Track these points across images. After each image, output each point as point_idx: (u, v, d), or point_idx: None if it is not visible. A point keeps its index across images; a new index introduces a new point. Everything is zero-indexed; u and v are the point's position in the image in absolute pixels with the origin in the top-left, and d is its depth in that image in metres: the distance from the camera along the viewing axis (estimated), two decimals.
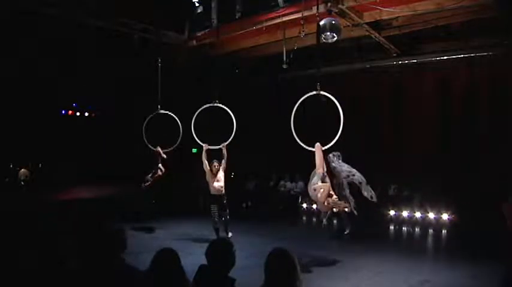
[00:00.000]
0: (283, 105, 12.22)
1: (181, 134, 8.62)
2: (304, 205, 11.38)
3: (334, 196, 6.04)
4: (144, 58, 9.55)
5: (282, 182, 12.42)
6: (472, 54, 9.61)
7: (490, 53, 9.35)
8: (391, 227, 9.68)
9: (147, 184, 8.82)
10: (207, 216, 8.06)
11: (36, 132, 11.72)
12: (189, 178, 11.95)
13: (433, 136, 10.82)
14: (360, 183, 6.18)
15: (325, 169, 6.09)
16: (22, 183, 11.85)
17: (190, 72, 11.31)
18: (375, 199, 6.25)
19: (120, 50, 9.78)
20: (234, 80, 11.47)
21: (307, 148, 6.22)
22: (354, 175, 6.16)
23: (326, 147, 6.15)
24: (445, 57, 9.98)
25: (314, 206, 9.83)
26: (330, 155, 6.34)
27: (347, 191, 6.02)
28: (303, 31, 7.27)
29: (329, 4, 7.22)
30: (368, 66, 11.10)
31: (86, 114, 13.99)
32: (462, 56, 9.72)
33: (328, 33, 6.82)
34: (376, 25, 8.73)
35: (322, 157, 6.11)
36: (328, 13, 7.18)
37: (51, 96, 11.75)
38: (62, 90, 11.74)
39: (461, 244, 7.83)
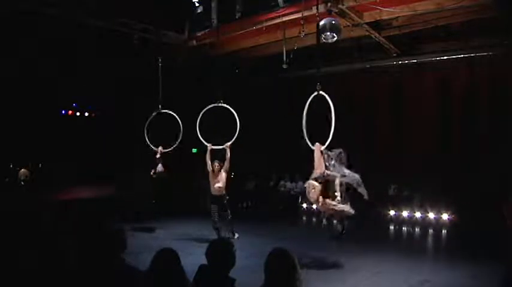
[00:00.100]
0: (283, 105, 12.33)
1: (181, 133, 8.61)
2: (304, 205, 11.38)
3: (329, 200, 6.00)
4: (144, 58, 9.55)
5: (282, 182, 12.42)
6: (472, 54, 9.61)
7: (490, 53, 9.35)
8: (391, 227, 9.69)
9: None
10: (207, 216, 8.07)
11: (36, 132, 11.69)
12: (188, 177, 11.96)
13: (433, 136, 10.82)
14: (351, 184, 6.15)
15: (323, 169, 6.08)
16: (22, 183, 11.83)
17: (190, 72, 11.31)
18: (366, 197, 6.22)
19: (120, 50, 9.77)
20: (234, 80, 11.47)
21: (312, 147, 6.22)
22: (344, 176, 6.13)
23: (323, 147, 6.14)
24: (445, 57, 9.98)
25: (314, 206, 9.81)
26: (325, 155, 6.30)
27: (338, 194, 5.97)
28: (303, 31, 7.27)
29: (329, 4, 7.22)
30: (368, 66, 11.10)
31: (86, 114, 13.96)
32: (462, 56, 9.72)
33: (328, 33, 6.82)
34: (376, 25, 8.72)
35: (320, 157, 6.10)
36: (328, 13, 7.18)
37: (51, 96, 11.73)
38: (62, 90, 11.71)
39: (461, 244, 7.84)
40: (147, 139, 8.77)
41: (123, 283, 2.83)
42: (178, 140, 8.68)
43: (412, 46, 10.29)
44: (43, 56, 9.47)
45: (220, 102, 7.91)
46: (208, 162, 7.86)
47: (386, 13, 7.77)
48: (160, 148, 8.78)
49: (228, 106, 7.91)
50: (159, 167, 8.73)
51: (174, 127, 8.66)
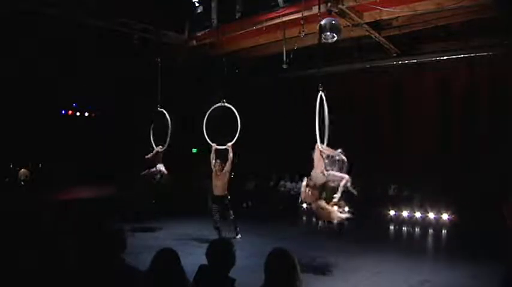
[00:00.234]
0: (283, 105, 12.33)
1: (169, 133, 8.60)
2: (304, 205, 11.36)
3: (323, 202, 5.98)
4: (144, 58, 9.55)
5: (282, 182, 12.42)
6: (472, 54, 9.60)
7: (490, 53, 9.35)
8: (391, 227, 9.69)
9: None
10: (208, 216, 8.07)
11: (36, 132, 11.70)
12: (188, 177, 11.96)
13: (433, 136, 10.82)
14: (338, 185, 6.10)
15: (322, 169, 6.06)
16: (22, 183, 11.83)
17: (190, 72, 11.31)
18: (355, 193, 6.21)
19: (120, 50, 9.77)
20: (234, 80, 11.48)
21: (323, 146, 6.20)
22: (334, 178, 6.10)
23: (322, 148, 6.13)
24: (445, 57, 9.98)
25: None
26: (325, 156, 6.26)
27: (338, 195, 5.94)
28: (303, 31, 7.26)
29: (329, 4, 7.21)
30: (368, 66, 11.10)
31: (86, 114, 13.98)
32: (462, 56, 9.72)
33: (328, 33, 6.81)
34: (376, 25, 8.72)
35: (320, 157, 6.09)
36: (328, 13, 7.18)
37: (51, 96, 11.74)
38: (62, 90, 11.72)
39: (461, 244, 7.84)
40: (152, 140, 8.75)
41: (123, 283, 2.83)
42: (168, 140, 8.66)
43: (412, 46, 10.29)
44: (43, 56, 9.47)
45: (223, 101, 7.91)
46: (213, 162, 7.90)
47: (386, 13, 7.76)
48: (159, 148, 8.76)
49: (230, 106, 7.91)
50: (160, 167, 8.68)
51: (173, 127, 8.66)
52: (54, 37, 8.89)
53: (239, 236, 7.98)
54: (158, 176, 8.61)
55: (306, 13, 7.31)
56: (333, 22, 6.84)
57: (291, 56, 8.45)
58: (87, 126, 13.62)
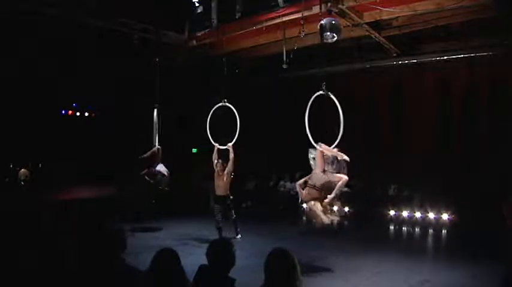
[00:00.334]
0: (283, 105, 12.32)
1: (156, 134, 8.60)
2: (304, 205, 11.36)
3: (314, 205, 5.97)
4: (144, 58, 9.55)
5: (282, 182, 12.42)
6: (472, 54, 9.60)
7: (490, 53, 9.35)
8: (391, 227, 9.69)
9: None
10: (207, 216, 8.07)
11: (36, 132, 11.70)
12: (188, 177, 11.96)
13: (433, 136, 10.82)
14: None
15: (322, 169, 6.06)
16: (22, 183, 11.84)
17: (190, 72, 11.30)
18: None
19: (120, 50, 9.77)
20: (234, 80, 11.48)
21: (315, 145, 6.19)
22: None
23: (323, 148, 6.12)
24: (445, 57, 9.98)
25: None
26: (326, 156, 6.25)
27: (332, 195, 5.94)
28: (303, 31, 7.27)
29: (329, 4, 7.21)
30: (368, 66, 11.10)
31: (86, 114, 13.99)
32: (462, 56, 9.71)
33: (328, 33, 6.81)
34: (376, 25, 8.72)
35: (321, 157, 6.09)
36: (328, 13, 7.18)
37: (51, 96, 11.74)
38: (62, 90, 11.73)
39: (461, 244, 7.83)
40: (156, 142, 8.73)
41: (123, 283, 2.83)
42: (156, 141, 8.64)
43: (412, 46, 10.29)
44: (43, 56, 9.47)
45: (224, 101, 7.92)
46: (215, 162, 7.92)
47: (387, 13, 7.76)
48: (155, 148, 8.73)
49: (231, 106, 7.91)
50: (160, 168, 8.66)
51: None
52: (54, 37, 8.89)
53: (239, 236, 7.99)
54: (159, 176, 8.59)
55: (306, 13, 7.31)
56: (333, 22, 6.84)
57: (291, 56, 8.45)
58: (87, 126, 13.62)
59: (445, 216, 9.36)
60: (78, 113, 13.81)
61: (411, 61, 10.52)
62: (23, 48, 9.10)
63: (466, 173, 9.62)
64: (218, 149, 7.95)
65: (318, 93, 6.21)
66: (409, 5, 7.45)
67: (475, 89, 10.29)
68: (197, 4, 9.38)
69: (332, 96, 6.12)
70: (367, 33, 8.80)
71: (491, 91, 10.01)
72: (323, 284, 5.61)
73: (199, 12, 9.49)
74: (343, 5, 7.38)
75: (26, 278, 3.43)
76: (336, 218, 6.16)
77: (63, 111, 13.51)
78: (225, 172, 7.83)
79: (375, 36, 9.05)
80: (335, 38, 6.90)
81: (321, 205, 5.88)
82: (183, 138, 12.04)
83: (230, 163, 7.79)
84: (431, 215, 9.54)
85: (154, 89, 8.67)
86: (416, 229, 9.42)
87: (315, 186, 5.97)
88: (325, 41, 6.92)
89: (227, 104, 7.91)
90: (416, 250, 7.79)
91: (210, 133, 8.12)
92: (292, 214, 11.10)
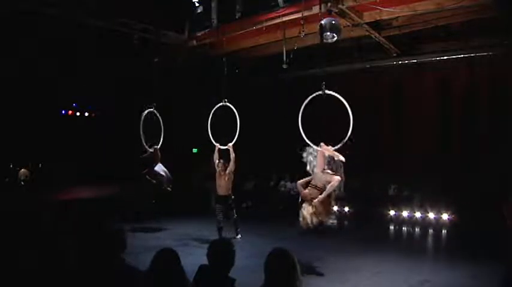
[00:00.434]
0: (283, 105, 12.31)
1: (162, 133, 8.58)
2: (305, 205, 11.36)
3: (303, 208, 5.98)
4: (144, 58, 9.55)
5: (282, 182, 12.42)
6: (472, 54, 9.60)
7: (490, 53, 9.34)
8: (391, 227, 9.69)
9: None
10: (207, 216, 8.07)
11: (36, 132, 11.71)
12: (188, 177, 11.96)
13: (433, 136, 10.82)
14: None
15: (321, 169, 6.06)
16: (22, 183, 11.83)
17: (190, 72, 11.30)
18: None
19: (120, 50, 9.77)
20: (234, 80, 11.49)
21: (315, 147, 6.19)
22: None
23: (333, 148, 6.10)
24: (445, 57, 9.97)
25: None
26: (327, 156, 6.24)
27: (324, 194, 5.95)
28: (303, 31, 7.27)
29: (329, 4, 7.21)
30: (368, 66, 11.10)
31: (86, 114, 14.00)
32: (462, 56, 9.71)
33: (328, 33, 6.81)
34: (376, 25, 8.72)
35: (322, 157, 6.09)
36: (328, 13, 7.18)
37: (51, 96, 11.75)
38: (62, 90, 11.73)
39: (461, 244, 7.83)
40: (143, 141, 8.68)
41: (123, 283, 2.84)
42: (161, 140, 8.63)
43: (412, 46, 10.29)
44: (43, 56, 9.47)
45: (225, 101, 7.92)
46: (216, 162, 7.92)
47: (387, 13, 7.76)
48: (152, 148, 8.70)
49: (231, 106, 7.91)
50: (158, 168, 8.64)
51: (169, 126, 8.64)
52: (54, 37, 8.89)
53: (239, 236, 7.99)
54: (159, 176, 8.57)
55: (306, 13, 7.30)
56: (333, 22, 6.84)
57: (291, 56, 8.45)
58: (87, 126, 13.63)
59: (445, 216, 9.36)
60: (78, 113, 13.82)
61: (411, 61, 10.52)
62: (23, 48, 9.10)
63: (466, 173, 9.62)
64: (219, 149, 7.95)
65: (315, 93, 6.20)
66: (409, 5, 7.45)
67: (475, 89, 10.29)
68: (197, 4, 9.38)
69: (340, 96, 6.12)
70: (367, 33, 8.80)
71: (491, 91, 10.01)
72: (323, 284, 5.61)
73: (199, 12, 9.49)
74: (343, 5, 7.38)
75: (26, 278, 3.43)
76: (328, 220, 6.13)
77: (63, 111, 13.52)
78: (227, 171, 7.84)
79: (375, 36, 9.05)
80: (335, 38, 6.90)
81: (312, 205, 5.88)
82: (183, 138, 12.03)
83: (231, 163, 7.80)
84: (431, 215, 9.54)
85: (156, 89, 8.66)
86: (416, 229, 9.42)
87: (316, 186, 5.97)
88: (325, 41, 6.92)
89: (227, 104, 7.91)
90: (416, 250, 7.79)
91: (211, 133, 8.12)
92: (292, 214, 11.00)
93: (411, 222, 9.71)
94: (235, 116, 7.76)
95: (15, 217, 6.52)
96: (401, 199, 10.27)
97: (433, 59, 10.21)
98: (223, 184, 7.88)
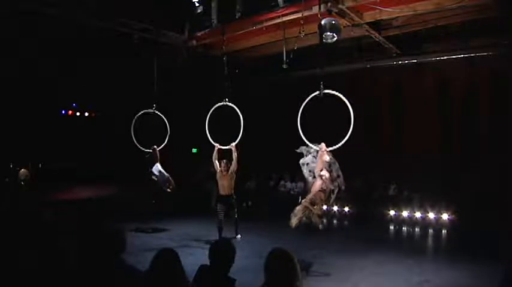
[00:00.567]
0: (283, 105, 12.30)
1: (168, 133, 8.57)
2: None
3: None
4: (144, 58, 9.55)
5: (282, 182, 12.42)
6: (472, 54, 9.60)
7: (490, 53, 9.34)
8: (391, 227, 9.69)
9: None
10: (208, 216, 8.06)
11: (36, 132, 11.71)
12: (188, 177, 11.96)
13: (433, 136, 10.82)
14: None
15: (321, 170, 6.05)
16: (22, 183, 11.84)
17: (190, 72, 11.30)
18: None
19: (120, 50, 9.77)
20: (234, 80, 11.49)
21: (313, 146, 6.18)
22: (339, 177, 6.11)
23: (331, 148, 6.10)
24: (445, 57, 9.97)
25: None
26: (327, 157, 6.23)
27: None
28: (303, 31, 7.27)
29: (329, 4, 7.21)
30: (368, 66, 11.10)
31: (86, 114, 14.01)
32: (462, 56, 9.71)
33: (328, 33, 6.81)
34: (376, 25, 8.72)
35: (321, 158, 6.08)
36: (328, 13, 7.18)
37: (51, 96, 11.75)
38: (62, 90, 11.74)
39: (461, 244, 7.83)
40: (135, 142, 8.65)
41: (123, 283, 2.83)
42: (166, 140, 8.62)
43: (412, 46, 10.28)
44: (43, 56, 9.47)
45: (225, 101, 7.91)
46: (216, 162, 7.90)
47: (386, 13, 7.75)
48: (152, 148, 8.69)
49: (233, 105, 7.90)
50: (156, 169, 8.61)
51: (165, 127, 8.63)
52: (54, 37, 8.89)
53: (239, 236, 7.99)
54: (155, 178, 8.54)
55: (306, 13, 7.30)
56: (333, 22, 6.84)
57: (291, 56, 8.45)
58: (87, 126, 13.64)
59: (445, 216, 9.36)
60: (78, 113, 13.83)
61: (411, 61, 10.51)
62: (23, 48, 9.10)
63: (466, 173, 9.62)
64: (219, 149, 7.93)
65: (313, 94, 6.20)
66: (409, 5, 7.44)
67: (475, 89, 10.30)
68: (197, 4, 9.37)
69: (340, 94, 6.12)
70: (367, 33, 8.80)
71: (491, 91, 10.01)
72: (323, 284, 5.61)
73: (199, 12, 9.48)
74: (343, 5, 7.38)
75: (26, 278, 3.43)
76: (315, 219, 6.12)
77: (63, 111, 13.53)
78: (229, 171, 7.83)
79: (375, 36, 9.05)
80: (335, 38, 6.90)
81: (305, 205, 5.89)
82: (183, 139, 12.03)
83: (234, 163, 7.79)
84: (431, 215, 9.54)
85: (156, 89, 8.67)
86: (416, 229, 9.42)
87: (325, 190, 5.97)
88: (325, 41, 6.92)
89: (229, 103, 7.90)
90: (417, 250, 7.79)
91: (211, 133, 8.11)
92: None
93: (411, 222, 9.71)
94: (238, 115, 7.75)
95: (15, 217, 6.52)
96: (401, 199, 10.27)
97: (433, 59, 10.20)
98: (226, 184, 7.87)
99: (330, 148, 6.05)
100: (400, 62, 10.58)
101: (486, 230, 7.44)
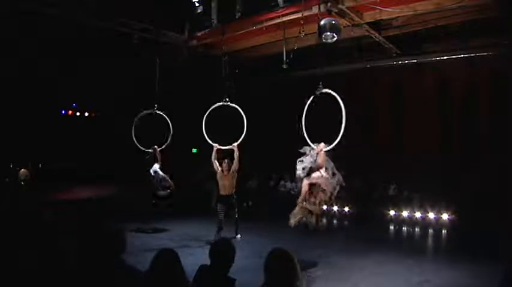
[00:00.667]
0: (283, 105, 12.31)
1: (171, 133, 8.57)
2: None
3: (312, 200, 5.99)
4: (144, 58, 9.55)
5: (282, 182, 12.41)
6: (472, 54, 9.60)
7: (490, 53, 9.34)
8: (391, 227, 9.69)
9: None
10: (207, 216, 8.05)
11: (36, 132, 11.72)
12: (188, 177, 11.96)
13: (433, 136, 10.82)
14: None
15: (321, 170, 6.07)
16: (22, 183, 11.84)
17: (190, 72, 11.30)
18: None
19: (120, 50, 9.77)
20: (234, 80, 11.50)
21: (313, 146, 6.19)
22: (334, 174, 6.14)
23: (327, 148, 6.12)
24: (445, 57, 9.98)
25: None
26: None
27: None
28: (303, 31, 7.27)
29: (329, 4, 7.21)
30: (368, 66, 11.10)
31: (86, 114, 14.01)
32: (462, 56, 9.71)
33: (328, 33, 6.81)
34: (376, 25, 8.72)
35: (321, 157, 6.09)
36: (328, 13, 7.18)
37: (51, 96, 11.76)
38: (62, 90, 11.75)
39: (461, 244, 7.83)
40: (136, 142, 8.65)
41: (123, 283, 2.83)
42: (169, 140, 8.62)
43: (412, 46, 10.29)
44: (43, 56, 9.48)
45: (226, 100, 7.90)
46: (215, 162, 7.88)
47: (387, 13, 7.76)
48: (153, 148, 8.69)
49: (234, 105, 7.89)
50: (153, 169, 8.61)
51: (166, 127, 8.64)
52: (54, 37, 8.89)
53: (239, 236, 7.99)
54: (152, 178, 8.56)
55: (306, 13, 7.30)
56: (333, 22, 6.84)
57: (291, 56, 8.45)
58: (87, 126, 13.64)
59: (445, 216, 9.36)
60: (78, 113, 13.84)
61: (411, 61, 10.51)
62: (23, 48, 9.11)
63: (466, 173, 9.62)
64: (218, 149, 7.93)
65: (312, 96, 6.21)
66: (409, 5, 7.44)
67: (475, 89, 10.30)
68: (197, 4, 9.37)
69: (335, 94, 6.13)
70: (367, 33, 8.80)
71: (491, 91, 10.01)
72: (323, 284, 5.61)
73: (199, 12, 9.48)
74: (343, 5, 7.38)
75: (26, 278, 3.43)
76: (309, 221, 6.15)
77: (63, 111, 13.54)
78: (231, 171, 7.83)
79: (375, 36, 9.06)
80: (335, 38, 6.90)
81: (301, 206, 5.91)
82: (183, 139, 12.02)
83: (235, 162, 7.78)
84: (431, 215, 9.54)
85: (154, 89, 8.67)
86: (416, 229, 9.42)
87: (324, 189, 5.98)
88: (325, 41, 6.92)
89: (232, 104, 7.89)
90: (417, 250, 7.79)
91: (210, 133, 8.11)
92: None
93: (411, 222, 9.70)
94: (241, 115, 7.74)
95: (15, 217, 6.52)
96: (401, 199, 10.27)
97: (433, 59, 10.20)
98: (227, 184, 7.86)
99: (325, 148, 6.07)
100: (400, 62, 10.59)
101: (486, 230, 7.44)
